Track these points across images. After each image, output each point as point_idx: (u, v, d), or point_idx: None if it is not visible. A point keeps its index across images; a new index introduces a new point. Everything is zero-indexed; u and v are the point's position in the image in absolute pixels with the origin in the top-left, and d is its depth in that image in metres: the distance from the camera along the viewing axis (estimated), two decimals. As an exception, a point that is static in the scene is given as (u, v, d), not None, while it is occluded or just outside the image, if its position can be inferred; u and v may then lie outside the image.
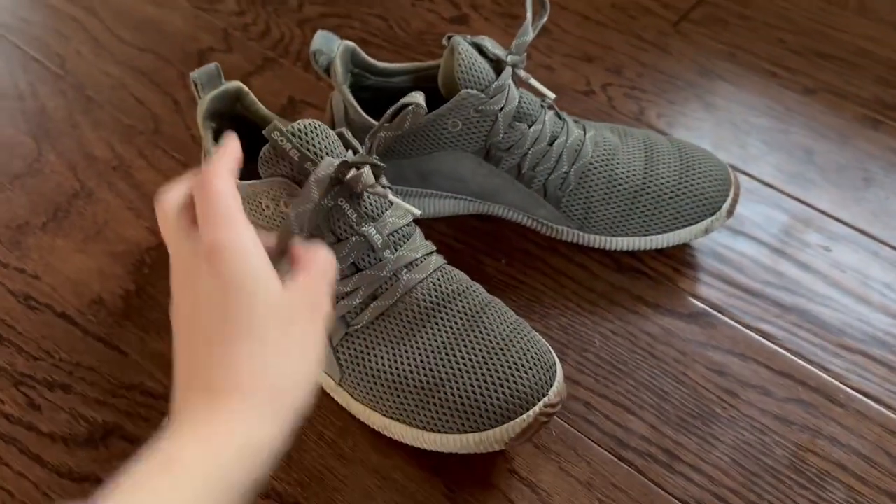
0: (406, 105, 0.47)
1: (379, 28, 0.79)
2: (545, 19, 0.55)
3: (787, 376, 0.53)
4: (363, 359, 0.47)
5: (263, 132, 0.45)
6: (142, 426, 0.50)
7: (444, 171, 0.57)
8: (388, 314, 0.47)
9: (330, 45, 0.56)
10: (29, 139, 0.67)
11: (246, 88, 0.53)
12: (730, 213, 0.57)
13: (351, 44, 0.57)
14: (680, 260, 0.60)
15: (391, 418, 0.47)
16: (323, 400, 0.51)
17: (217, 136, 0.54)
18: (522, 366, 0.46)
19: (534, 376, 0.45)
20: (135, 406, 0.51)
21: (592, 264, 0.59)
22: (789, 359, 0.54)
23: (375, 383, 0.47)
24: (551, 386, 0.46)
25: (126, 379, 0.52)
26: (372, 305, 0.47)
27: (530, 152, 0.55)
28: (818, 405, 0.52)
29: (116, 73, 0.73)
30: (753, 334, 0.56)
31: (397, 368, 0.47)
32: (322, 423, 0.50)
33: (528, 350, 0.47)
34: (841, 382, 0.53)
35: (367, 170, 0.45)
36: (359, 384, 0.48)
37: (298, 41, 0.77)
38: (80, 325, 0.55)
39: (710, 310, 0.57)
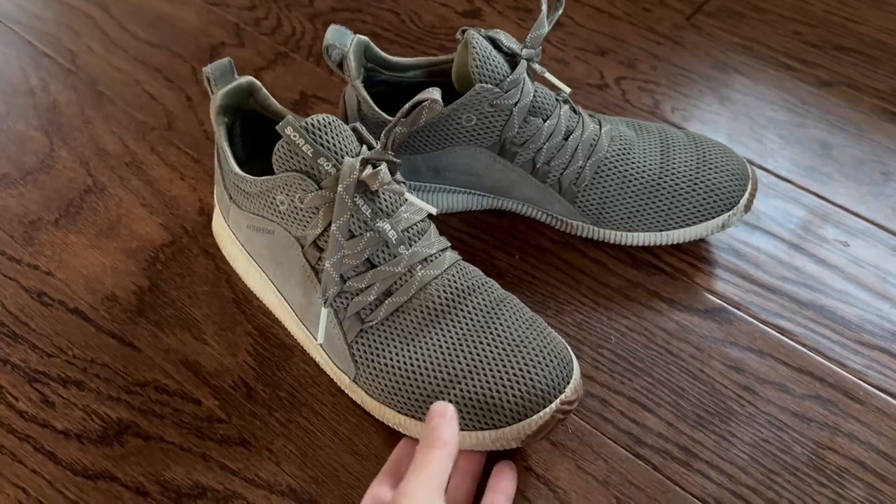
0: (422, 101, 0.47)
1: (391, 22, 0.78)
2: (560, 12, 0.54)
3: (805, 373, 0.53)
4: (378, 355, 0.47)
5: (276, 128, 0.44)
6: (155, 423, 0.50)
7: (458, 167, 0.56)
8: (403, 310, 0.47)
9: (343, 40, 0.55)
10: (41, 135, 0.67)
11: (258, 83, 0.53)
12: (747, 208, 0.56)
13: (364, 38, 0.56)
14: (696, 255, 0.59)
15: (406, 415, 0.47)
16: (337, 397, 0.51)
17: (230, 132, 0.54)
18: (539, 363, 0.45)
19: (550, 373, 0.45)
20: (148, 403, 0.51)
21: (608, 260, 0.59)
22: (807, 355, 0.54)
23: (390, 380, 0.47)
24: (568, 383, 0.46)
25: (140, 375, 0.52)
26: (387, 302, 0.47)
27: (545, 147, 0.55)
28: (837, 402, 0.52)
29: (128, 68, 0.73)
30: (771, 330, 0.55)
31: (412, 365, 0.46)
32: (336, 419, 0.50)
33: (545, 347, 0.46)
34: (860, 379, 0.53)
35: (383, 167, 0.44)
36: (373, 381, 0.47)
37: (310, 36, 0.77)
38: (93, 321, 0.55)
39: (727, 306, 0.56)
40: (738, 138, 0.68)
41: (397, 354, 0.47)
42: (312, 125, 0.44)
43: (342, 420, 0.50)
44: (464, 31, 0.54)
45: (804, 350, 0.54)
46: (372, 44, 0.57)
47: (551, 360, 0.46)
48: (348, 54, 0.55)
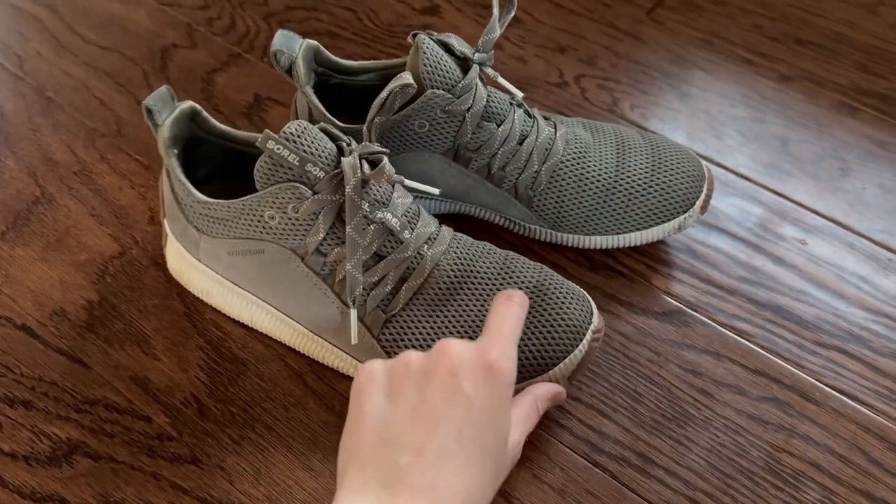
0: (394, 88, 0.48)
1: (347, 20, 0.77)
2: (513, 14, 0.54)
3: (762, 374, 0.53)
4: (408, 339, 0.48)
5: (257, 143, 0.44)
6: (105, 442, 0.49)
7: (412, 173, 0.55)
8: (421, 292, 0.48)
9: (291, 45, 0.54)
10: (-13, 144, 0.65)
11: (198, 107, 0.51)
12: (703, 209, 0.56)
13: (313, 42, 0.55)
14: (654, 257, 0.59)
15: None
16: (291, 412, 0.50)
17: (184, 161, 0.52)
18: (563, 303, 0.48)
19: (575, 310, 0.48)
20: (99, 421, 0.49)
21: (566, 263, 0.58)
22: (764, 356, 0.54)
23: None
24: (591, 313, 0.49)
25: (89, 393, 0.51)
26: (404, 288, 0.47)
27: (500, 152, 0.54)
28: (793, 404, 0.52)
29: (78, 73, 0.71)
30: (728, 332, 0.55)
31: (444, 337, 0.47)
32: (290, 435, 0.49)
33: (561, 287, 0.49)
34: (816, 380, 0.53)
35: (385, 160, 0.45)
36: None
37: (264, 35, 0.75)
38: (41, 337, 0.53)
39: (684, 308, 0.56)
40: (696, 135, 0.67)
41: (427, 333, 0.48)
42: (291, 134, 0.44)
43: (296, 435, 0.49)
44: (415, 35, 0.53)
45: (761, 351, 0.54)
46: (322, 48, 0.56)
47: (572, 298, 0.48)
48: (297, 60, 0.54)
